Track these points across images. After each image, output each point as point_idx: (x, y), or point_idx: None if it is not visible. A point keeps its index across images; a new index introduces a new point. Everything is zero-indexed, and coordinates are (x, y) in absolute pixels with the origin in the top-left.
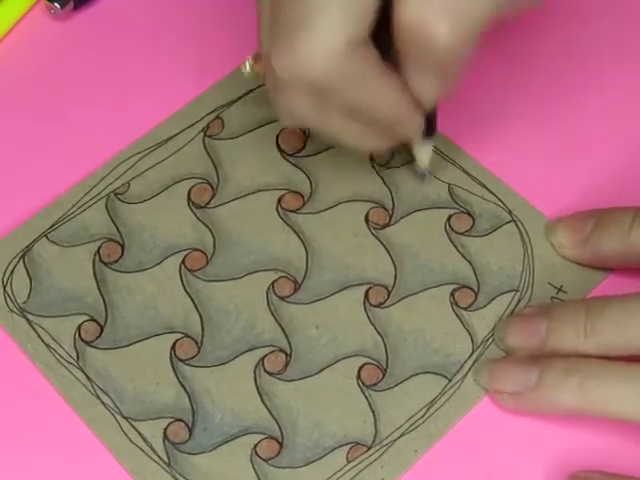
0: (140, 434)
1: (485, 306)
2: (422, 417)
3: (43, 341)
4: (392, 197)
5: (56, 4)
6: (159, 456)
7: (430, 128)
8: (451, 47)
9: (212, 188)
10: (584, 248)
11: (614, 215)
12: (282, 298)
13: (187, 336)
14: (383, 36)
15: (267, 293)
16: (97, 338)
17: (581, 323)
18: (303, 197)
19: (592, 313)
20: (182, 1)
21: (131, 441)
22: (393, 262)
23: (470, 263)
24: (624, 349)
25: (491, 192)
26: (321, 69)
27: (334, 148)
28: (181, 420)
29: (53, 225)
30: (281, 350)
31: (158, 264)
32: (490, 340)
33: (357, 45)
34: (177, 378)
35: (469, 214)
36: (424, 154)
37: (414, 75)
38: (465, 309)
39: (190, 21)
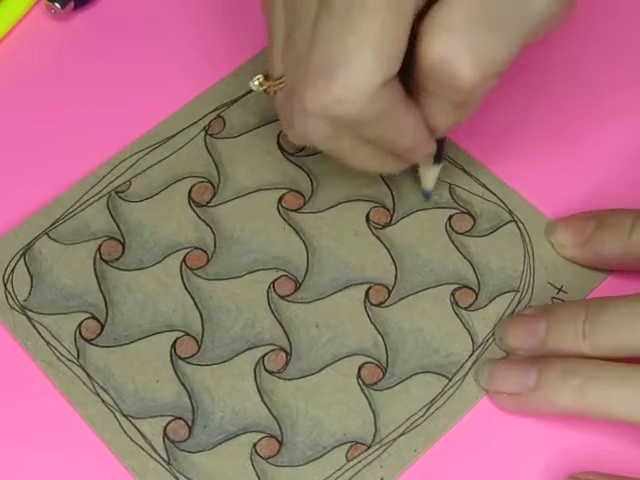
0: (140, 432)
1: (485, 306)
2: (422, 416)
3: (44, 339)
4: (393, 197)
5: (56, 4)
6: (159, 454)
7: (440, 154)
8: (474, 87)
9: (213, 187)
10: (585, 249)
11: (615, 217)
12: (282, 297)
13: (187, 334)
14: (404, 66)
15: (268, 292)
16: (98, 336)
17: (580, 324)
18: (304, 196)
19: (591, 314)
20: (182, 1)
21: (131, 439)
22: (394, 262)
23: (471, 263)
24: (623, 350)
25: (492, 192)
26: (357, 110)
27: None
28: (181, 418)
29: (54, 223)
30: (281, 349)
31: (159, 262)
32: (490, 340)
33: (388, 83)
34: (177, 376)
35: (470, 214)
36: (430, 177)
37: (433, 108)
38: (465, 309)
39: (191, 21)
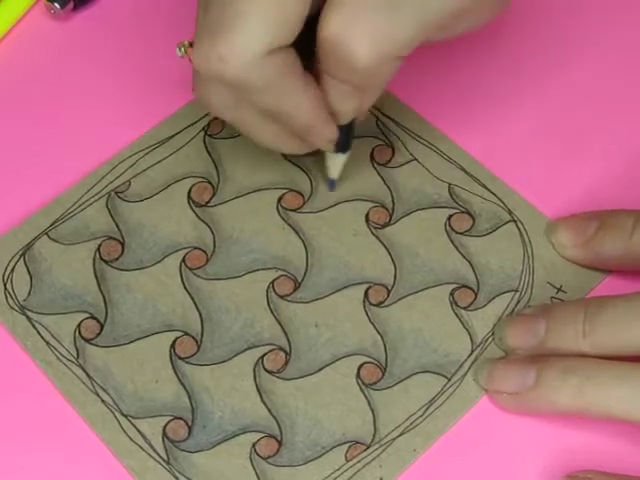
0: (139, 432)
1: (485, 306)
2: (421, 416)
3: (43, 338)
4: (392, 196)
5: (56, 4)
6: (158, 454)
7: (345, 143)
8: (368, 68)
9: (212, 187)
10: (585, 249)
11: (616, 218)
12: (282, 297)
13: (187, 334)
14: (309, 44)
15: (267, 292)
16: (97, 336)
17: (579, 323)
18: (303, 196)
19: (590, 313)
20: (182, 1)
21: (130, 439)
22: (393, 261)
23: (470, 263)
24: (622, 349)
25: (491, 192)
26: (236, 72)
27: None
28: (180, 418)
29: (54, 223)
30: (281, 349)
31: (158, 262)
32: (489, 340)
33: (276, 52)
34: (177, 376)
35: (469, 214)
36: (335, 165)
37: (331, 89)
38: (465, 309)
39: (190, 21)
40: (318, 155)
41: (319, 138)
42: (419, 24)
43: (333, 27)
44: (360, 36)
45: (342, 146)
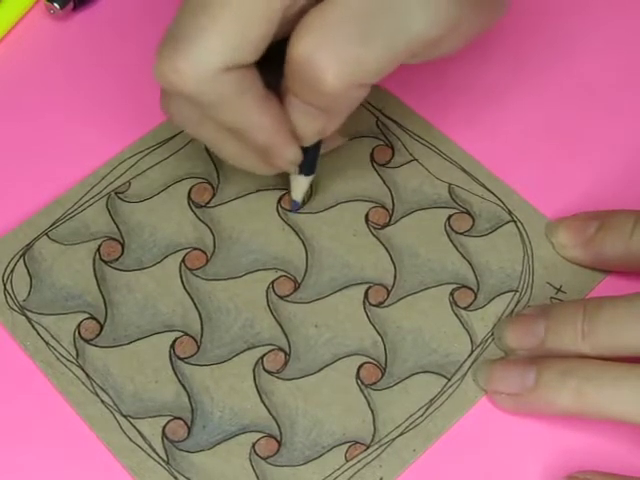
0: (139, 432)
1: (484, 306)
2: (421, 416)
3: (43, 339)
4: (392, 197)
5: (56, 4)
6: (158, 454)
7: (309, 166)
8: (334, 93)
9: (212, 188)
10: (586, 250)
11: (617, 218)
12: (282, 297)
13: (187, 334)
14: (277, 64)
15: (267, 292)
16: (97, 336)
17: (579, 324)
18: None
19: (589, 314)
20: (182, 1)
21: (130, 439)
22: (393, 262)
23: (470, 263)
24: (621, 350)
25: (491, 192)
26: (191, 85)
27: (334, 149)
28: (180, 418)
29: (54, 223)
30: (280, 349)
31: (158, 263)
32: (489, 340)
33: (233, 70)
34: (176, 376)
35: (469, 214)
36: (297, 187)
37: (297, 110)
38: (464, 309)
39: None
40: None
41: (280, 159)
42: (389, 53)
43: (302, 48)
44: (328, 60)
45: (306, 168)
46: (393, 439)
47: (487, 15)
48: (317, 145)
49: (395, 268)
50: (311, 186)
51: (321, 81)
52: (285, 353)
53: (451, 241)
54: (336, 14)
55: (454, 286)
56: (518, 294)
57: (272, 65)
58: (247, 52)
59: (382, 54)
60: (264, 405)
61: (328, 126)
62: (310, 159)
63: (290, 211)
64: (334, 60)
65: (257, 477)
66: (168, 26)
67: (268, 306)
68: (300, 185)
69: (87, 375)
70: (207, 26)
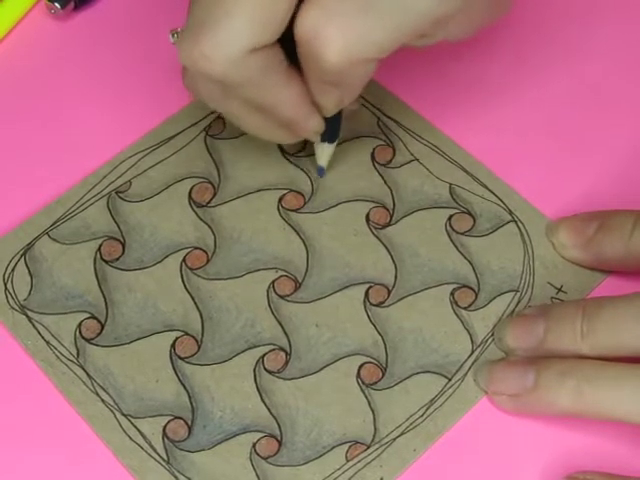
0: (139, 432)
1: (485, 306)
2: (421, 416)
3: (43, 338)
4: (393, 197)
5: (56, 4)
6: (158, 454)
7: (332, 133)
8: (338, 69)
9: (213, 187)
10: (586, 250)
11: (616, 218)
12: (282, 297)
13: (187, 334)
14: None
15: (267, 292)
16: (97, 336)
17: (578, 324)
18: (304, 196)
19: (588, 314)
20: (182, 1)
21: (130, 439)
22: (393, 261)
23: (470, 263)
24: (621, 350)
25: (492, 192)
26: (220, 69)
27: (335, 148)
28: (180, 418)
29: (55, 223)
30: (281, 349)
31: (159, 262)
32: (490, 340)
33: (259, 50)
34: (177, 376)
35: (470, 214)
36: (323, 154)
37: (312, 84)
38: (465, 309)
39: None
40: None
41: (304, 129)
42: (396, 29)
43: (307, 25)
44: (332, 36)
45: (329, 136)
46: (394, 439)
47: (495, 6)
48: (339, 113)
49: (396, 268)
50: (312, 182)
51: (324, 57)
52: (286, 353)
53: (452, 241)
54: None
55: (455, 286)
56: (519, 294)
57: (291, 38)
58: (271, 32)
59: (388, 30)
60: (265, 405)
61: (344, 98)
62: (333, 126)
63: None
64: (338, 36)
65: (258, 477)
66: (189, 11)
67: (269, 306)
68: (325, 152)
69: (88, 374)
70: (231, 9)
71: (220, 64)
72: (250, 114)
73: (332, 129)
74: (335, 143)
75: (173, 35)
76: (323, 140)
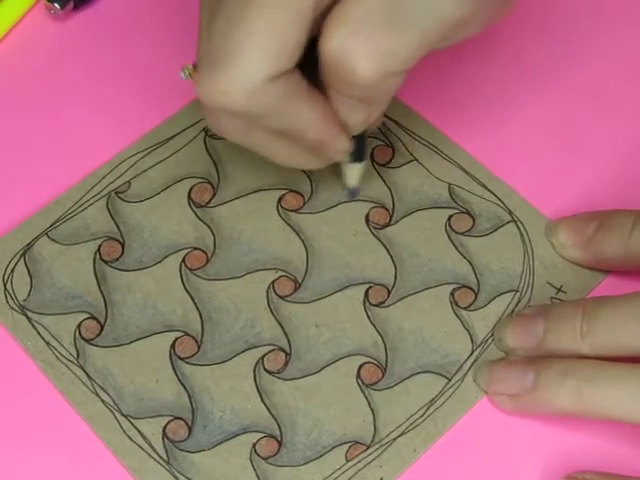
0: (139, 432)
1: (485, 306)
2: (421, 416)
3: (43, 339)
4: (392, 197)
5: (56, 4)
6: (158, 454)
7: (360, 152)
8: (371, 84)
9: (213, 187)
10: (585, 250)
11: (616, 218)
12: (282, 297)
13: (187, 334)
14: (316, 60)
15: (267, 292)
16: (97, 336)
17: (577, 324)
18: (303, 197)
19: (588, 314)
20: (182, 1)
21: (130, 439)
22: (393, 262)
23: (470, 263)
24: (621, 350)
25: (491, 192)
26: (241, 102)
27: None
28: (180, 418)
29: (54, 223)
30: (281, 349)
31: (158, 263)
32: (490, 340)
33: (277, 78)
34: (177, 376)
35: (469, 214)
36: (352, 174)
37: (339, 103)
38: (465, 309)
39: (190, 21)
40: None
41: (333, 150)
42: (421, 37)
43: (335, 42)
44: (362, 51)
45: (357, 155)
46: (394, 439)
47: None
48: (363, 131)
49: (395, 268)
50: (312, 182)
51: (355, 74)
52: (285, 353)
53: (451, 241)
54: (364, 4)
55: (454, 286)
56: (518, 294)
57: (309, 60)
58: (287, 58)
59: (414, 40)
60: (265, 405)
61: (372, 114)
62: (360, 145)
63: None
64: (366, 52)
65: (258, 477)
66: (200, 44)
67: (268, 306)
68: (354, 172)
69: (87, 375)
70: (244, 41)
71: (240, 97)
72: (277, 143)
73: (360, 148)
74: (364, 162)
75: (184, 71)
76: (352, 160)
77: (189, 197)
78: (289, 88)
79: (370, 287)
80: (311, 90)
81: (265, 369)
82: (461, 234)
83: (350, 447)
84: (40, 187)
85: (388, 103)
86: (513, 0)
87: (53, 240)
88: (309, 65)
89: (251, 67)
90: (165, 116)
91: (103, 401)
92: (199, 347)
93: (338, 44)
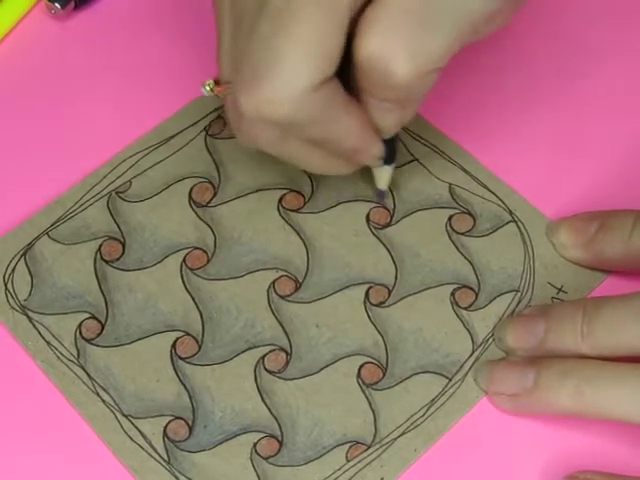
0: (140, 432)
1: (485, 306)
2: (422, 416)
3: (44, 338)
4: (393, 197)
5: (57, 4)
6: (159, 454)
7: (390, 154)
8: (409, 84)
9: (213, 187)
10: (586, 250)
11: (617, 218)
12: (283, 297)
13: (188, 334)
14: (345, 66)
15: (268, 292)
16: (98, 336)
17: (578, 324)
18: (304, 196)
19: (589, 314)
20: (182, 1)
21: (131, 439)
22: (394, 262)
23: (471, 263)
24: (621, 350)
25: (492, 192)
26: (287, 111)
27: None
28: (181, 418)
29: (54, 223)
30: (281, 349)
31: (159, 262)
32: (490, 340)
33: (321, 85)
34: (177, 376)
35: (470, 214)
36: (382, 177)
37: (374, 107)
38: (465, 309)
39: (191, 20)
40: None
41: (368, 157)
42: (454, 34)
43: (370, 47)
44: (398, 54)
45: (388, 158)
46: (394, 439)
47: None
48: (395, 134)
49: (396, 268)
50: (312, 182)
51: (393, 76)
52: (286, 353)
53: (452, 241)
54: (396, 5)
55: (455, 286)
56: (519, 294)
57: (343, 66)
58: (329, 65)
59: (448, 37)
60: (265, 405)
61: (406, 116)
62: (391, 148)
63: (378, 203)
64: (403, 53)
65: (258, 477)
66: (237, 59)
67: (269, 306)
68: (384, 175)
69: (88, 375)
70: (287, 50)
71: (286, 106)
72: (312, 152)
73: (390, 150)
74: (394, 164)
75: (206, 87)
76: (383, 164)
77: (190, 197)
78: (331, 96)
79: (371, 287)
80: (348, 97)
81: (266, 369)
82: (462, 234)
83: (351, 447)
84: (41, 187)
85: (421, 103)
86: None
87: (54, 240)
88: (340, 71)
89: (296, 75)
90: (166, 116)
91: (104, 401)
92: (200, 347)
93: (374, 47)
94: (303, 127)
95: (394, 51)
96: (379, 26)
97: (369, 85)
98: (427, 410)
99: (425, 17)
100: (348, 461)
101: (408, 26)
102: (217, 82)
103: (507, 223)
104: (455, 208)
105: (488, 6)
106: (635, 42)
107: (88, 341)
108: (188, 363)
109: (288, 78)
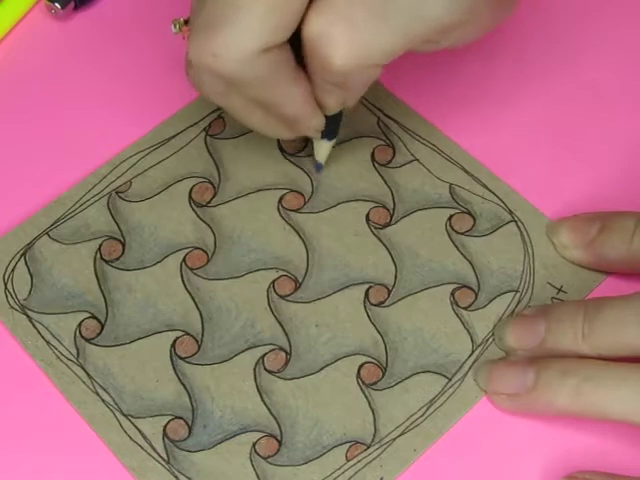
0: (140, 431)
1: (485, 306)
2: (422, 416)
3: (44, 338)
4: (393, 197)
5: (57, 4)
6: (158, 453)
7: (332, 131)
8: (343, 72)
9: (213, 187)
10: (587, 251)
11: (618, 219)
12: (282, 297)
13: (187, 334)
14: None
15: (267, 292)
16: (97, 335)
17: (578, 324)
18: (304, 196)
19: (589, 314)
20: (182, 1)
21: (131, 438)
22: (394, 261)
23: (470, 263)
24: (621, 350)
25: (492, 192)
26: (231, 69)
27: (335, 148)
28: (181, 418)
29: (55, 223)
30: (281, 348)
31: (159, 262)
32: (490, 340)
33: (270, 50)
34: (177, 376)
35: (470, 214)
36: (322, 150)
37: (316, 84)
38: (465, 309)
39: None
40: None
41: (306, 127)
42: (403, 36)
43: (315, 27)
44: (339, 40)
45: (328, 134)
46: (394, 439)
47: (499, 10)
48: (340, 111)
49: (396, 268)
50: (312, 182)
51: (330, 60)
52: (286, 353)
53: (452, 241)
54: None
55: (455, 286)
56: (519, 294)
57: (297, 37)
58: (283, 32)
59: (395, 37)
60: (265, 405)
61: (347, 99)
62: (333, 124)
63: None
64: (343, 41)
65: (258, 477)
66: (195, 10)
67: (269, 306)
68: (323, 149)
69: (88, 374)
70: (244, 9)
71: (231, 64)
72: (253, 111)
73: (332, 127)
74: (334, 140)
75: (175, 25)
76: (322, 137)
77: (190, 197)
78: (278, 62)
79: (370, 287)
80: (297, 67)
81: (265, 368)
82: (462, 234)
83: (350, 447)
84: (41, 186)
85: (365, 90)
86: (515, 3)
87: (54, 239)
88: (296, 42)
89: (247, 35)
90: (166, 116)
91: (103, 400)
92: (199, 347)
93: (317, 29)
94: (246, 86)
95: (336, 36)
96: (328, 10)
97: (310, 63)
98: (427, 410)
99: (378, 11)
100: (348, 461)
101: (356, 17)
102: (187, 22)
103: (507, 223)
104: (455, 208)
105: (446, 18)
106: (637, 41)
107: (88, 341)
108: (188, 363)
109: (239, 37)
